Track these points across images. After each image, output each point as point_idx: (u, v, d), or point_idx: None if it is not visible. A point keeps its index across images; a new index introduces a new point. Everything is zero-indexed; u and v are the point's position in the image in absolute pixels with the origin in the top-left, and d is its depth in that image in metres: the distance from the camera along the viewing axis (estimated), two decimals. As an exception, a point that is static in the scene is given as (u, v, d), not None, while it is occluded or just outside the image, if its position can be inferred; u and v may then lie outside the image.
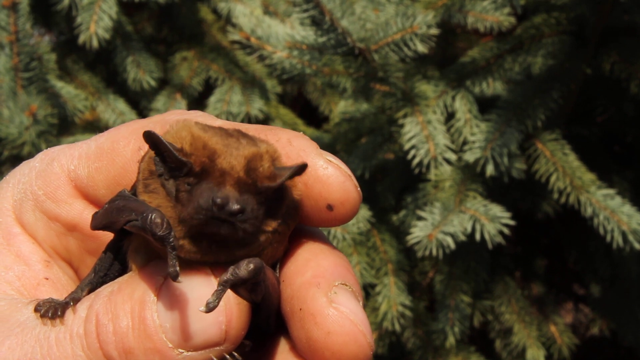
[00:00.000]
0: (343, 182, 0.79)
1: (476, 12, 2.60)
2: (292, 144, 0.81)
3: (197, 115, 0.86)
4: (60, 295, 0.82)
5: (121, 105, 3.11)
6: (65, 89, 2.84)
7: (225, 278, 0.73)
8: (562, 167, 2.48)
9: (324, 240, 0.83)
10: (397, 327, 2.52)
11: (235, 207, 0.72)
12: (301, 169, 0.76)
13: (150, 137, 0.74)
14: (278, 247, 0.80)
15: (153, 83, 3.17)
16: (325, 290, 0.76)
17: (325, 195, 0.80)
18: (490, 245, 2.34)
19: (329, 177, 0.79)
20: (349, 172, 0.80)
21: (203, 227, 0.73)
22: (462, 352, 2.73)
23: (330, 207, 0.80)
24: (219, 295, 0.72)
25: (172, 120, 0.83)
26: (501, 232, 2.33)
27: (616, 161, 2.90)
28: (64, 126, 2.81)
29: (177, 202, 0.74)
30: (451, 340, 2.59)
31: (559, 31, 2.54)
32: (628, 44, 2.46)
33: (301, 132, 0.82)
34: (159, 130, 0.83)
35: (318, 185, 0.79)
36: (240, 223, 0.73)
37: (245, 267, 0.73)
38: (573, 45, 2.53)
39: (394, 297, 2.53)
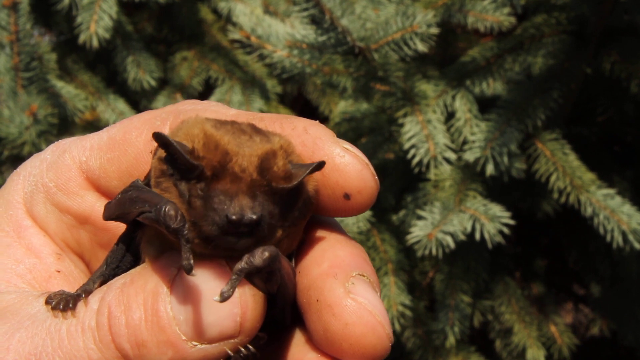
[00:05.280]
0: (360, 170, 0.77)
1: (476, 12, 2.60)
2: (308, 132, 0.79)
3: (210, 106, 0.84)
4: (71, 289, 0.80)
5: (121, 105, 3.10)
6: (66, 89, 2.84)
7: (240, 267, 0.71)
8: (562, 166, 2.49)
9: (340, 230, 0.82)
10: (397, 327, 2.52)
11: (251, 217, 0.71)
12: (318, 167, 0.74)
13: (160, 139, 0.72)
14: (294, 239, 0.79)
15: (153, 83, 3.16)
16: (343, 281, 0.75)
17: (342, 184, 0.78)
18: (490, 245, 2.34)
19: (346, 165, 0.77)
20: (366, 160, 0.78)
21: (220, 240, 0.72)
22: (462, 352, 2.73)
23: (347, 196, 0.78)
24: (233, 284, 0.70)
25: (186, 111, 0.82)
26: (501, 232, 2.33)
27: (616, 161, 2.91)
28: (64, 126, 2.80)
29: (189, 206, 0.72)
30: (451, 340, 2.59)
31: (559, 31, 2.54)
32: (628, 43, 2.47)
33: (317, 121, 0.81)
34: (172, 121, 0.82)
35: (335, 174, 0.78)
36: (257, 229, 0.72)
37: (260, 255, 0.71)
38: (573, 45, 2.53)
39: (394, 296, 2.52)
